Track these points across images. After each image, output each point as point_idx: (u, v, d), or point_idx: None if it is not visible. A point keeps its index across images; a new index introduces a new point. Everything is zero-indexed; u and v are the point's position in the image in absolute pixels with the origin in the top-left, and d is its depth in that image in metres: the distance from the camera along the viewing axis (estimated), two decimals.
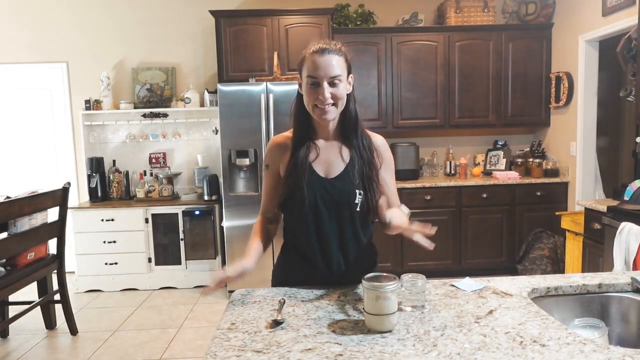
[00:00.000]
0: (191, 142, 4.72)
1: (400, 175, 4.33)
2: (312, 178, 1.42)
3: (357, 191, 1.41)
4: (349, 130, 1.45)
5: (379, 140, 1.51)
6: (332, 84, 1.35)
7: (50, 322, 3.42)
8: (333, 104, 1.36)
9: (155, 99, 4.59)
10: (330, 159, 1.45)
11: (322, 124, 1.43)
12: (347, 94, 1.41)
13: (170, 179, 4.53)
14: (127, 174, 4.51)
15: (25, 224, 3.00)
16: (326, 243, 1.44)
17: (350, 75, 1.42)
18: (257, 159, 3.91)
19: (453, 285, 1.41)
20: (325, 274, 1.46)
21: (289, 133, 1.51)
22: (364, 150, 1.45)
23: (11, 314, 3.19)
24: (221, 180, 4.07)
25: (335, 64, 1.35)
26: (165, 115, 4.58)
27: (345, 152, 1.46)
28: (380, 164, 1.47)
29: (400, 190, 4.13)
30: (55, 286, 3.36)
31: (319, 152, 1.45)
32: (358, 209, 1.41)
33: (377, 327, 1.12)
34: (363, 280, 1.14)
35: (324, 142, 1.47)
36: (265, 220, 1.55)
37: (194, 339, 3.22)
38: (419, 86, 4.43)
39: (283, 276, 1.55)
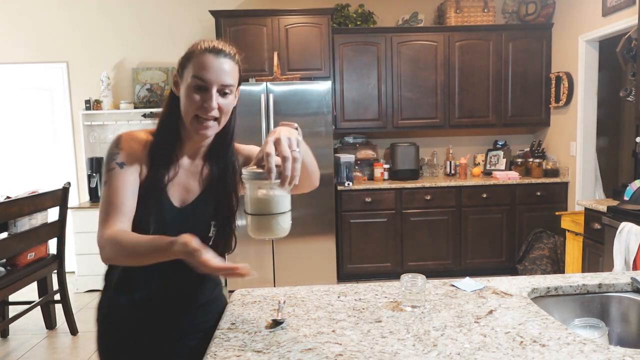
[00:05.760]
0: None
1: (400, 175, 4.35)
2: (164, 207, 1.16)
3: (211, 223, 1.21)
4: (219, 148, 1.23)
5: (245, 150, 1.31)
6: (221, 94, 1.12)
7: (50, 322, 3.42)
8: (216, 119, 1.13)
9: (156, 99, 4.60)
10: (188, 183, 1.21)
11: (195, 138, 1.17)
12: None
13: None
14: None
15: (25, 224, 3.00)
16: (168, 279, 1.20)
17: (238, 88, 1.20)
18: None
19: (453, 285, 1.41)
20: (160, 315, 1.22)
21: (145, 135, 1.19)
22: (227, 171, 1.23)
23: (11, 314, 3.19)
24: None
25: (230, 70, 1.13)
26: None
27: (206, 176, 1.23)
28: (244, 164, 1.25)
29: (400, 190, 4.18)
30: (55, 286, 3.35)
31: (178, 173, 1.19)
32: (210, 243, 1.21)
33: (261, 231, 0.91)
34: (243, 170, 0.93)
35: (187, 161, 1.21)
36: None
37: None
38: (419, 86, 4.43)
39: (112, 336, 1.24)
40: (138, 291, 1.21)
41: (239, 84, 1.19)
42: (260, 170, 0.88)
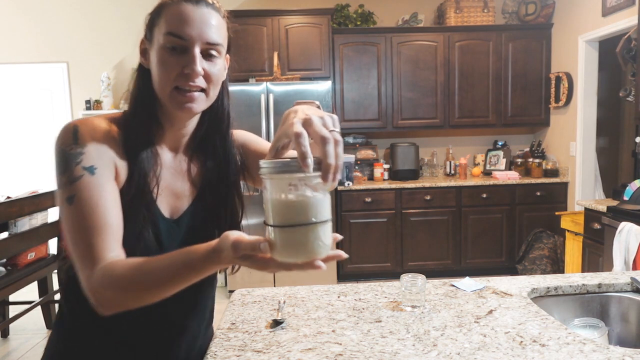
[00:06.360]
0: None
1: (400, 175, 4.36)
2: (156, 218, 0.88)
3: (215, 232, 0.92)
4: (215, 138, 0.94)
5: (239, 137, 1.03)
6: (207, 56, 0.83)
7: (50, 322, 3.42)
8: (203, 90, 0.84)
9: None
10: (175, 186, 0.92)
11: (177, 120, 0.89)
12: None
13: None
14: None
15: (26, 223, 3.00)
16: (166, 318, 0.95)
17: (228, 55, 0.91)
18: None
19: (453, 285, 1.41)
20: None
21: (106, 124, 0.85)
22: (229, 167, 0.96)
23: (11, 314, 3.19)
24: None
25: (217, 25, 0.84)
26: None
27: (196, 174, 0.95)
28: (248, 159, 1.01)
29: (400, 191, 4.18)
30: (56, 286, 3.36)
31: (162, 173, 0.89)
32: None
33: (294, 251, 0.60)
34: (261, 163, 0.60)
35: (169, 156, 0.92)
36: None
37: None
38: (419, 86, 4.43)
39: None
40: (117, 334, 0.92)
41: (229, 49, 0.90)
42: (290, 159, 0.60)
